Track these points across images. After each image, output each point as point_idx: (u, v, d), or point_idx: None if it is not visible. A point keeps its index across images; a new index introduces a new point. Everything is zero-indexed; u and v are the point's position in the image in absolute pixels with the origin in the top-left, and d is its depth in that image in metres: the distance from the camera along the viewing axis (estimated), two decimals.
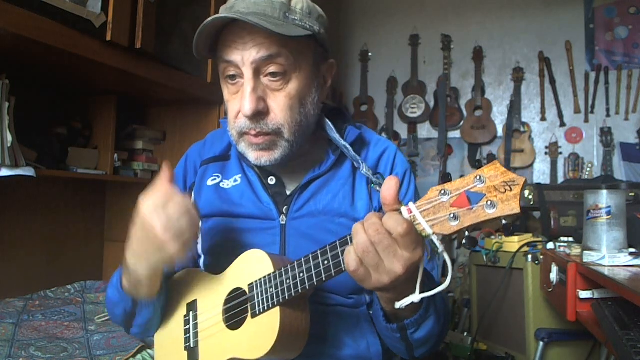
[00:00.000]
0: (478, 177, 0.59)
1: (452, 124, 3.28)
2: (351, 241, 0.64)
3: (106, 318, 1.54)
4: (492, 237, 2.32)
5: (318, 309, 0.84)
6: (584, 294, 1.30)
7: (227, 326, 0.79)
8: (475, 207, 0.59)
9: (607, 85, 3.02)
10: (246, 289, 0.78)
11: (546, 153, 3.10)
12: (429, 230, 0.61)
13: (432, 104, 3.35)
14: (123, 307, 0.85)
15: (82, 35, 1.42)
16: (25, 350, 1.25)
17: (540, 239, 2.02)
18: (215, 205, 0.91)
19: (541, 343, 1.82)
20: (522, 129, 3.14)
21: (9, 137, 1.42)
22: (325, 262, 0.68)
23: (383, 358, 0.88)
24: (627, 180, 2.79)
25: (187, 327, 0.85)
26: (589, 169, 2.98)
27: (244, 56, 0.79)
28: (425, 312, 0.75)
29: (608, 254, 1.27)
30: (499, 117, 3.23)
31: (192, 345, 0.83)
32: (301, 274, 0.71)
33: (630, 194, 1.76)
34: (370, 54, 3.50)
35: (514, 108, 3.16)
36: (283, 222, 0.88)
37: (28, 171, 1.48)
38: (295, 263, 0.72)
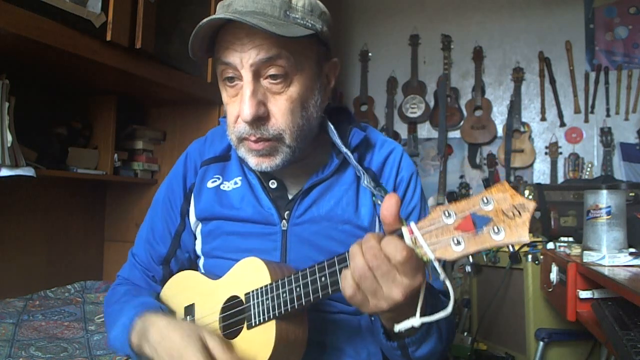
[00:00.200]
0: (485, 199, 0.56)
1: (452, 124, 3.28)
2: (349, 259, 0.62)
3: None
4: None
5: (318, 316, 0.82)
6: (584, 294, 1.30)
7: (224, 335, 0.78)
8: (480, 232, 0.55)
9: (607, 85, 3.02)
10: (243, 298, 0.76)
11: (546, 153, 3.10)
12: (430, 255, 0.57)
13: (432, 104, 3.35)
14: (121, 344, 0.81)
15: (82, 35, 1.42)
16: (25, 350, 1.25)
17: (540, 239, 2.02)
18: (216, 208, 0.89)
19: (541, 343, 1.82)
20: (522, 129, 3.14)
21: (9, 137, 1.42)
22: (323, 279, 0.66)
23: None
24: (627, 180, 2.79)
25: None
26: (589, 169, 2.98)
27: (243, 58, 0.75)
28: (427, 331, 0.73)
29: (608, 254, 1.27)
30: (499, 117, 3.23)
31: None
32: (297, 289, 0.69)
33: (630, 194, 1.76)
34: (370, 54, 3.50)
35: (514, 108, 3.16)
36: (284, 228, 0.85)
37: (28, 171, 1.48)
38: (292, 277, 0.70)
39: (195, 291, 0.85)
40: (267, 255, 0.82)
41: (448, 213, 0.57)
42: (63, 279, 1.90)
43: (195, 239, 0.94)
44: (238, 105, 0.78)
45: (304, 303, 0.68)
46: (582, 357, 1.87)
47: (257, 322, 0.73)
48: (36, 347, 1.28)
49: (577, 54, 3.10)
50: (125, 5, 1.54)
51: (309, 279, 0.68)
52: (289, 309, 0.69)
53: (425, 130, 3.40)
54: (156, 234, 0.95)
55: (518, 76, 3.17)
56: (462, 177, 3.27)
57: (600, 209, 1.30)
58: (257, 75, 0.76)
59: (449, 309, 0.59)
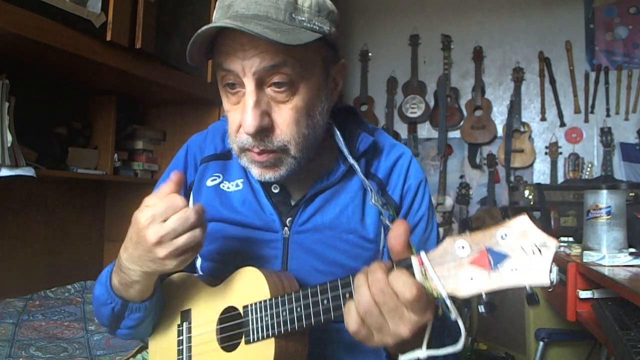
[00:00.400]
0: (503, 234, 0.52)
1: (452, 124, 3.28)
2: (353, 284, 0.58)
3: None
4: None
5: (319, 327, 0.81)
6: (584, 294, 1.30)
7: (222, 347, 0.77)
8: (496, 269, 0.51)
9: (607, 85, 3.02)
10: (241, 310, 0.74)
11: (546, 153, 3.10)
12: (442, 292, 0.53)
13: (432, 104, 3.35)
14: (111, 307, 0.79)
15: (82, 35, 1.42)
16: (25, 350, 1.25)
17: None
18: (215, 208, 0.85)
19: (541, 343, 1.82)
20: (522, 129, 3.14)
21: (9, 137, 1.42)
22: (325, 302, 0.64)
23: None
24: (627, 180, 2.79)
25: (181, 338, 0.82)
26: (589, 169, 2.98)
27: (245, 66, 0.70)
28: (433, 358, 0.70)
29: (608, 254, 1.27)
30: (499, 117, 3.23)
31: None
32: (298, 309, 0.66)
33: (630, 194, 1.76)
34: (370, 54, 3.50)
35: (514, 108, 3.16)
36: (286, 236, 0.81)
37: (28, 171, 1.48)
38: (293, 295, 0.68)
39: (192, 296, 0.83)
40: (267, 263, 0.81)
41: (462, 245, 0.53)
42: (63, 279, 1.90)
43: None
44: (240, 114, 0.73)
45: (304, 325, 0.66)
46: (582, 357, 1.87)
47: (256, 339, 0.71)
48: (36, 347, 1.28)
49: (577, 54, 3.10)
50: (125, 5, 1.54)
51: (310, 300, 0.65)
52: (289, 329, 0.67)
53: (425, 130, 3.40)
54: None
55: (518, 76, 3.17)
56: (462, 177, 3.27)
57: (600, 209, 1.30)
58: (260, 83, 0.71)
59: (459, 345, 0.55)
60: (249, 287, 0.74)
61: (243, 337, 0.73)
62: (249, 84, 0.71)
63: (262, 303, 0.71)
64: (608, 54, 3.04)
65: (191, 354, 0.80)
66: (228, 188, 0.86)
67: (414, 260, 0.56)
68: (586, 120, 3.06)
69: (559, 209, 2.06)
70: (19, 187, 1.81)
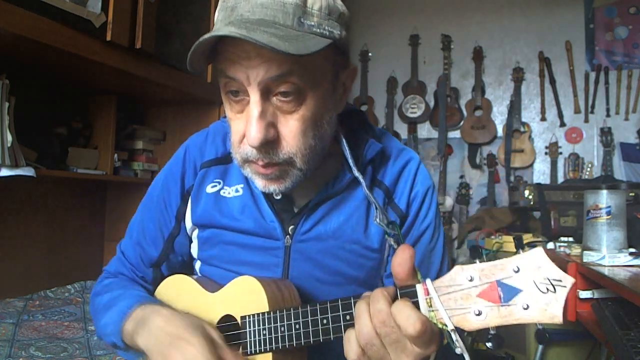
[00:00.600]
0: (516, 267, 0.49)
1: (452, 124, 3.28)
2: (354, 308, 0.56)
3: None
4: (492, 237, 2.32)
5: (317, 344, 0.80)
6: (584, 294, 1.30)
7: None
8: (506, 304, 0.48)
9: (607, 85, 3.02)
10: (238, 320, 0.73)
11: (546, 153, 3.10)
12: (449, 325, 0.50)
13: (432, 104, 3.35)
14: (109, 339, 0.77)
15: (82, 35, 1.42)
16: (25, 350, 1.25)
17: (540, 239, 2.02)
18: (215, 216, 0.82)
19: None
20: (522, 129, 3.14)
21: (9, 137, 1.42)
22: (324, 322, 0.62)
23: None
24: (627, 180, 2.79)
25: None
26: (589, 169, 2.98)
27: (250, 75, 0.65)
28: None
29: (608, 254, 1.27)
30: (499, 117, 3.23)
31: None
32: (297, 326, 0.65)
33: (630, 194, 1.76)
34: (370, 54, 3.50)
35: (514, 108, 3.16)
36: (288, 244, 0.79)
37: (28, 171, 1.48)
38: (292, 312, 0.67)
39: (190, 300, 0.81)
40: (267, 270, 0.79)
41: (471, 277, 0.50)
42: (63, 279, 1.90)
43: (191, 242, 0.89)
44: (244, 124, 0.69)
45: (302, 343, 0.64)
46: (582, 357, 1.87)
47: (254, 352, 0.71)
48: (36, 347, 1.28)
49: (577, 54, 3.10)
50: (125, 5, 1.54)
51: (309, 318, 0.64)
52: (287, 346, 0.67)
53: (425, 130, 3.40)
54: (147, 236, 0.89)
55: (518, 76, 3.17)
56: (462, 177, 3.27)
57: (600, 209, 1.30)
58: (265, 92, 0.67)
59: None
60: (248, 297, 0.73)
61: (240, 348, 0.73)
62: (254, 94, 0.66)
63: (261, 316, 0.70)
64: (608, 54, 3.04)
65: None
66: (228, 194, 0.83)
67: (419, 289, 0.53)
68: (586, 120, 3.06)
69: (559, 209, 2.06)
70: (19, 187, 1.81)
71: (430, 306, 0.52)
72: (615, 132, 2.97)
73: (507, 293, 0.49)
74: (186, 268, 0.92)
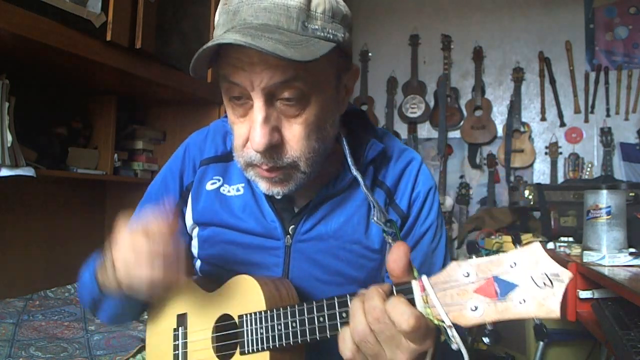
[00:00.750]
0: (513, 262, 0.49)
1: (452, 124, 3.28)
2: (349, 317, 0.56)
3: None
4: (492, 237, 2.32)
5: (313, 342, 0.80)
6: (584, 294, 1.30)
7: (217, 355, 0.76)
8: (503, 299, 0.48)
9: (607, 85, 3.02)
10: (236, 319, 0.74)
11: (546, 153, 3.10)
12: (446, 321, 0.50)
13: (432, 104, 3.35)
14: (91, 294, 0.79)
15: (82, 35, 1.42)
16: (25, 350, 1.25)
17: (540, 239, 2.02)
18: (215, 213, 0.82)
19: (541, 343, 1.82)
20: (522, 129, 3.14)
21: (9, 137, 1.42)
22: (321, 320, 0.63)
23: None
24: (627, 180, 2.79)
25: (177, 342, 0.82)
26: (589, 169, 2.99)
27: (253, 80, 0.65)
28: None
29: (608, 254, 1.27)
30: (499, 117, 3.23)
31: None
32: (294, 324, 0.65)
33: (630, 194, 1.76)
34: (370, 54, 3.50)
35: (514, 108, 3.16)
36: (288, 244, 0.79)
37: (28, 171, 1.48)
38: (289, 310, 0.67)
39: (188, 300, 0.82)
40: (267, 270, 0.79)
41: (467, 273, 0.50)
42: (63, 279, 1.90)
43: (191, 239, 0.89)
44: (247, 128, 0.69)
45: (299, 341, 0.65)
46: (582, 357, 1.87)
47: (251, 350, 0.71)
48: (36, 347, 1.28)
49: (577, 54, 3.10)
50: (125, 5, 1.54)
51: (306, 316, 0.65)
52: (284, 344, 0.67)
53: (425, 130, 3.40)
54: None
55: (518, 76, 3.17)
56: (462, 177, 3.27)
57: (600, 209, 1.30)
58: (269, 97, 0.66)
59: None
60: (245, 296, 0.73)
61: (238, 347, 0.73)
62: (258, 100, 0.66)
63: (258, 314, 0.71)
64: (608, 54, 3.04)
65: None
66: (228, 192, 0.83)
67: (415, 285, 0.53)
68: (586, 120, 3.06)
69: (559, 209, 2.06)
70: (19, 187, 1.81)
71: (427, 302, 0.52)
72: (615, 132, 2.97)
73: (504, 288, 0.49)
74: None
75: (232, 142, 0.75)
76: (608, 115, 3.01)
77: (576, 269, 1.32)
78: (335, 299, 0.62)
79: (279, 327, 0.67)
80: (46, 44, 1.31)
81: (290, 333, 0.66)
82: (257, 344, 0.70)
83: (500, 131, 3.20)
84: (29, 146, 1.61)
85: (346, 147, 0.79)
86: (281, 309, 0.68)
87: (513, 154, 3.12)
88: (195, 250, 0.88)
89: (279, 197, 0.79)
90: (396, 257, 0.55)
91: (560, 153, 3.06)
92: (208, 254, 0.85)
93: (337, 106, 0.75)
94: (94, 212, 2.22)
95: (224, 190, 0.83)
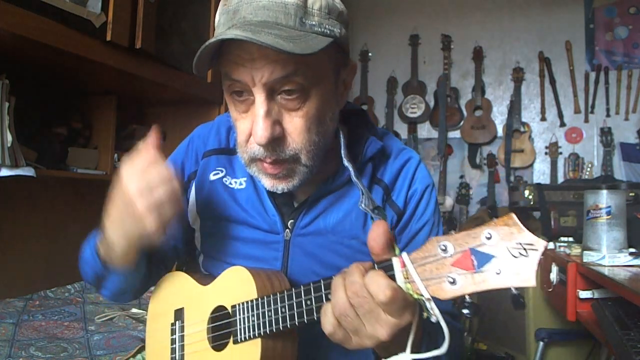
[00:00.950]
0: (488, 234, 0.50)
1: (452, 124, 3.28)
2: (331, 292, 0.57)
3: (106, 318, 1.54)
4: None
5: (309, 329, 0.77)
6: (584, 294, 1.30)
7: (212, 346, 0.77)
8: (479, 271, 0.49)
9: (607, 85, 3.02)
10: (229, 309, 0.75)
11: (546, 153, 3.10)
12: (425, 293, 0.52)
13: (432, 104, 3.35)
14: (94, 270, 0.80)
15: (82, 35, 1.42)
16: (25, 350, 1.25)
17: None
18: (220, 204, 0.84)
19: (541, 343, 1.82)
20: (522, 129, 3.14)
21: (9, 137, 1.42)
22: (308, 303, 0.64)
23: None
24: (627, 180, 2.79)
25: (174, 337, 0.84)
26: (589, 169, 2.99)
27: (255, 76, 0.67)
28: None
29: (608, 254, 1.27)
30: (499, 117, 3.23)
31: (177, 358, 0.82)
32: (283, 310, 0.67)
33: (630, 194, 1.76)
34: (370, 54, 3.50)
35: (514, 108, 3.16)
36: (287, 238, 0.81)
37: (28, 171, 1.48)
38: (278, 296, 0.68)
39: (185, 295, 0.84)
40: (267, 264, 0.80)
41: (445, 246, 0.51)
42: (63, 279, 1.90)
43: (193, 231, 0.90)
44: (249, 123, 0.71)
45: (288, 326, 0.66)
46: (582, 357, 1.87)
47: (243, 339, 0.72)
48: (36, 347, 1.28)
49: (577, 54, 3.10)
50: (125, 5, 1.54)
51: (294, 300, 0.66)
52: (274, 330, 0.68)
53: (425, 130, 3.40)
54: None
55: (518, 76, 3.17)
56: (462, 177, 3.27)
57: (600, 209, 1.30)
58: (270, 92, 0.69)
59: (444, 348, 0.54)
60: (238, 286, 0.75)
61: (231, 336, 0.74)
62: (259, 95, 0.68)
63: (249, 303, 0.72)
64: (608, 54, 3.04)
65: (183, 352, 0.81)
66: (231, 184, 0.85)
67: (396, 261, 0.54)
68: (586, 120, 3.06)
69: (559, 209, 2.06)
70: (19, 187, 1.81)
71: (407, 278, 0.53)
72: (615, 132, 2.97)
73: (480, 260, 0.49)
74: (193, 264, 0.92)
75: (236, 139, 0.76)
76: (608, 115, 3.01)
77: (576, 269, 1.32)
78: (322, 281, 0.63)
79: (270, 314, 0.69)
80: (46, 44, 1.31)
81: (280, 318, 0.67)
82: (249, 332, 0.71)
83: (500, 131, 3.20)
84: (29, 146, 1.61)
85: (342, 139, 0.81)
86: (271, 296, 0.69)
87: (513, 154, 3.12)
88: (198, 243, 0.90)
89: (279, 192, 0.80)
90: (375, 235, 0.56)
91: (560, 153, 3.06)
92: (211, 246, 0.86)
93: (337, 101, 0.77)
94: (94, 212, 2.22)
95: (226, 181, 0.85)
